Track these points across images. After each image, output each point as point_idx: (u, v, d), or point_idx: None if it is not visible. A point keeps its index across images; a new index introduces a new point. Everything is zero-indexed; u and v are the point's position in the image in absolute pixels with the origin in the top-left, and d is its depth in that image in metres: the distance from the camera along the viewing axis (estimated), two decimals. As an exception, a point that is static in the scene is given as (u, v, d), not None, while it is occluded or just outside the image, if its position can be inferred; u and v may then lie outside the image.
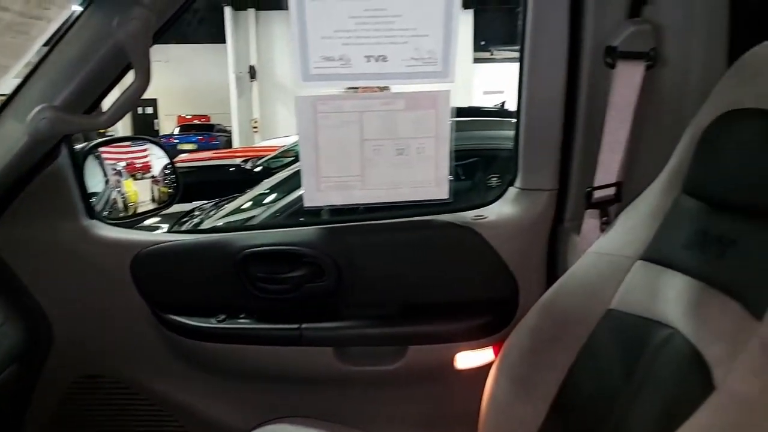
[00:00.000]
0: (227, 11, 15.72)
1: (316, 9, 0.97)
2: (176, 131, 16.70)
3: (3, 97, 0.99)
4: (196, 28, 16.58)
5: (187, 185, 1.62)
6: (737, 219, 0.70)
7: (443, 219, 1.18)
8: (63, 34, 0.93)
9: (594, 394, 0.81)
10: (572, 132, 1.10)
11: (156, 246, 1.18)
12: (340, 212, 1.28)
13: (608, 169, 1.02)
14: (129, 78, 0.89)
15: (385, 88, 1.16)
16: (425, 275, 1.17)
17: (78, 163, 1.17)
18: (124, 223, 1.29)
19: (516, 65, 1.14)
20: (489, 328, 1.16)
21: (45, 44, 0.90)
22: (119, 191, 3.13)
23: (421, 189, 1.13)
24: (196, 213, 2.84)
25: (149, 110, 18.68)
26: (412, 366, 1.15)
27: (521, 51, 1.10)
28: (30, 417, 1.20)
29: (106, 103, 0.92)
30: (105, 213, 2.43)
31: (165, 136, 16.60)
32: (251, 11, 15.70)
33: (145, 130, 17.77)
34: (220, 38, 16.01)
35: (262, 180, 3.33)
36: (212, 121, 17.41)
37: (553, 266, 1.16)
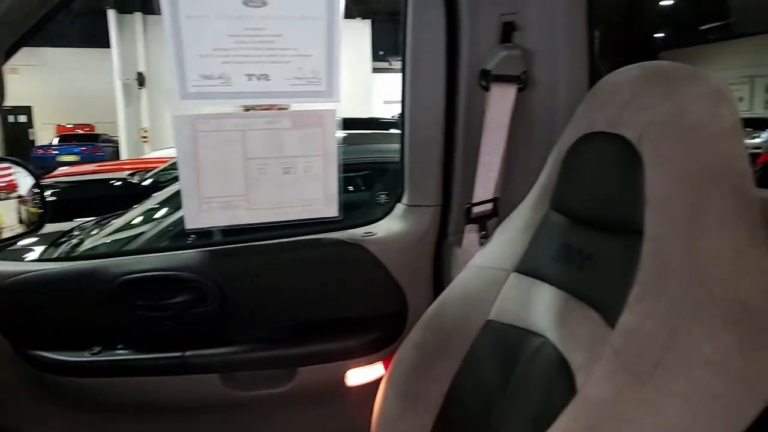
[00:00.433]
0: (111, 14, 14.86)
1: (193, 27, 0.95)
2: (55, 142, 15.50)
3: None
4: (76, 30, 15.51)
5: (66, 202, 1.51)
6: (593, 234, 0.76)
7: (333, 237, 1.20)
8: None
9: (474, 404, 0.85)
10: (453, 150, 1.16)
11: (19, 276, 1.09)
12: (228, 233, 1.25)
13: (485, 185, 1.08)
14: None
15: (284, 107, 1.16)
16: (315, 294, 1.18)
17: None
18: (-15, 250, 1.19)
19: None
20: (379, 343, 1.18)
21: None
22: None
23: (310, 207, 1.14)
24: (76, 233, 2.65)
25: (23, 119, 17.19)
26: (303, 387, 1.15)
27: (403, 73, 1.15)
28: None
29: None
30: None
31: (42, 147, 15.35)
32: (138, 15, 14.94)
33: (19, 140, 16.35)
34: (104, 42, 15.09)
35: (150, 194, 3.17)
36: (97, 131, 16.33)
37: (440, 279, 1.21)
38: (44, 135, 17.02)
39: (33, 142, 16.85)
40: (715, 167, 0.66)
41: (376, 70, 15.50)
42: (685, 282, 0.61)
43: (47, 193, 1.45)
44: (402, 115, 1.17)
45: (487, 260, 0.95)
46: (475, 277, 0.95)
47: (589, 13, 1.08)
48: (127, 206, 2.95)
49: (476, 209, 1.09)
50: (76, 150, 14.67)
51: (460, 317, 0.92)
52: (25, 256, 2.18)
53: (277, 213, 1.12)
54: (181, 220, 1.07)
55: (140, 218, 2.69)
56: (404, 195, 1.23)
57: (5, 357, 1.11)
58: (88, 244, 2.43)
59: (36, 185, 1.28)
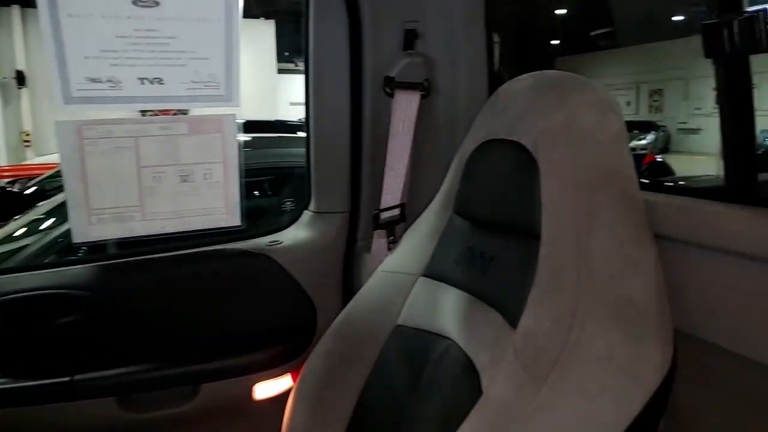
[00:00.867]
0: (-17, 7, 13.63)
1: (75, 26, 0.89)
2: None
3: None
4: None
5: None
6: (495, 237, 0.80)
7: (236, 247, 1.16)
8: None
9: (385, 409, 0.86)
10: (360, 156, 1.16)
11: None
12: (121, 246, 1.18)
13: (393, 191, 1.10)
14: None
15: (183, 112, 1.11)
16: (218, 308, 1.14)
17: None
18: None
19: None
20: (288, 354, 1.16)
21: None
22: None
23: (211, 217, 1.10)
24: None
25: None
26: (208, 404, 1.11)
27: (306, 79, 1.14)
28: None
29: None
30: None
31: None
32: (15, 8, 13.81)
33: None
34: (-25, 36, 13.80)
35: (34, 204, 2.93)
36: (-31, 134, 14.90)
37: (349, 286, 1.21)
38: None
39: None
40: (603, 172, 0.71)
41: (281, 71, 15.28)
42: (577, 282, 0.65)
43: None
44: (306, 121, 1.16)
45: (395, 265, 0.97)
46: (383, 283, 0.96)
47: (488, 22, 1.13)
48: (6, 218, 2.72)
49: (384, 215, 1.10)
50: (-55, 156, 13.30)
51: (369, 324, 0.92)
52: None
53: (175, 223, 1.07)
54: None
55: (23, 230, 2.48)
56: (311, 202, 1.22)
57: None
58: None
59: None
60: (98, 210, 1.00)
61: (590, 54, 16.89)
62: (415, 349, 0.86)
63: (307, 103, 1.15)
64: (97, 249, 1.25)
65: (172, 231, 1.07)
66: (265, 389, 1.15)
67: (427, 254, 0.92)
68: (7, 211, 3.03)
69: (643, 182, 0.75)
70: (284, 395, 1.00)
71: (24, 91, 14.13)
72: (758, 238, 0.66)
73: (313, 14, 1.11)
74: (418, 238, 0.96)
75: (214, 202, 1.09)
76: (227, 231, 1.12)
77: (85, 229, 1.00)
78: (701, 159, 10.53)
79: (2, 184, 5.65)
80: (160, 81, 0.97)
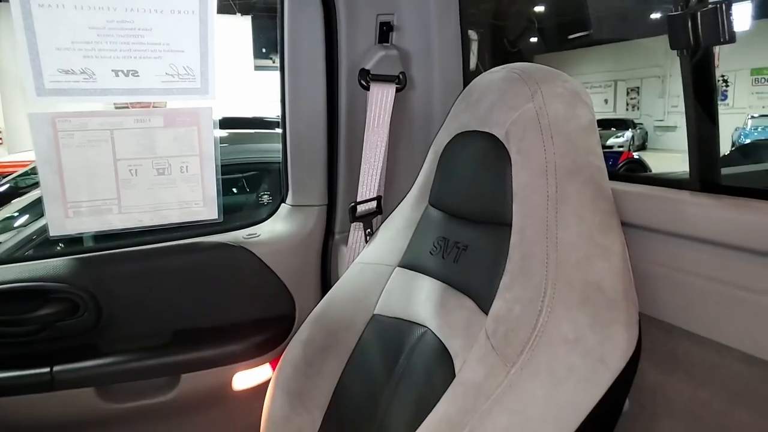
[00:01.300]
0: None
1: (47, 17, 0.88)
2: None
3: None
4: None
5: None
6: (468, 227, 0.81)
7: (214, 240, 1.17)
8: None
9: (362, 396, 0.88)
10: (336, 149, 1.17)
11: None
12: (100, 239, 1.18)
13: (369, 184, 1.11)
14: None
15: (159, 105, 1.11)
16: (196, 300, 1.14)
17: None
18: None
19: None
20: (267, 345, 1.17)
21: None
22: None
23: (188, 210, 1.10)
24: None
25: None
26: (188, 394, 1.11)
27: (282, 73, 1.14)
28: None
29: None
30: None
31: None
32: (-14, -1, 13.50)
33: None
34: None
35: (7, 202, 2.89)
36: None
37: (327, 278, 1.22)
38: None
39: None
40: (573, 162, 0.73)
41: (258, 67, 15.17)
42: (546, 268, 0.67)
43: None
44: (283, 114, 1.17)
45: (372, 257, 0.98)
46: (360, 274, 0.97)
47: (462, 15, 1.15)
48: (-22, 216, 2.67)
49: (361, 207, 1.11)
50: None
51: (347, 313, 0.94)
52: None
53: (152, 217, 1.07)
54: (45, 228, 1.00)
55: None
56: (288, 195, 1.23)
57: None
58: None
59: None
60: (74, 203, 1.00)
61: (568, 51, 17.07)
62: (391, 337, 0.88)
63: (283, 97, 1.16)
64: (73, 243, 1.24)
65: (149, 224, 1.07)
66: (244, 379, 1.16)
67: (403, 245, 0.94)
68: (-21, 208, 2.98)
69: (612, 172, 0.78)
70: (263, 385, 1.01)
71: (-6, 87, 13.82)
72: (720, 225, 0.69)
73: (288, 7, 1.12)
74: (394, 230, 0.98)
75: (192, 196, 1.09)
76: (205, 224, 1.13)
77: (61, 221, 1.00)
78: (678, 156, 10.73)
79: (-27, 183, 5.53)
80: (135, 73, 0.97)
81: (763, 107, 12.73)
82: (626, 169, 7.78)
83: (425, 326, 0.82)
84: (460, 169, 0.85)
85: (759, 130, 11.10)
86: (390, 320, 0.89)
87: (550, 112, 0.75)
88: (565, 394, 0.62)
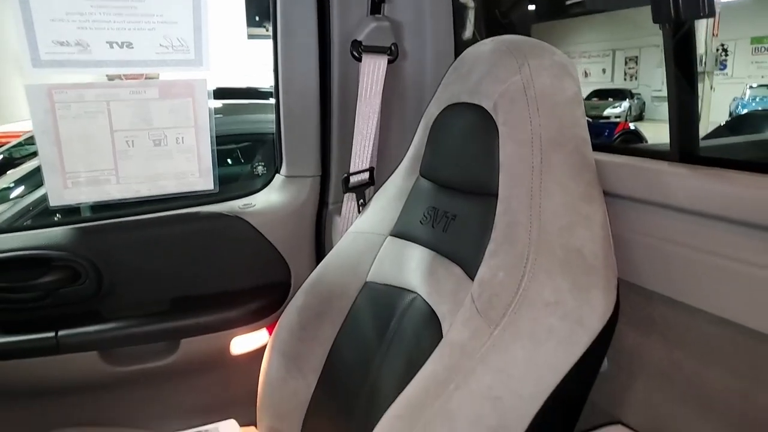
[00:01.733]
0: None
1: (42, -12, 0.90)
2: None
3: None
4: None
5: None
6: (456, 197, 0.84)
7: (210, 210, 1.20)
8: None
9: (355, 360, 0.92)
10: (329, 121, 1.20)
11: None
12: (98, 209, 1.21)
13: (362, 155, 1.14)
14: None
15: (152, 76, 1.12)
16: (194, 269, 1.18)
17: None
18: None
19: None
20: (263, 311, 1.21)
21: None
22: None
23: (184, 180, 1.13)
24: None
25: None
26: (187, 358, 1.16)
27: (274, 43, 1.16)
28: None
29: None
30: None
31: None
32: (-27, -33, 13.23)
33: None
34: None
35: (2, 173, 2.90)
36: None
37: (321, 247, 1.26)
38: None
39: None
40: (558, 133, 0.76)
41: (251, 36, 14.97)
42: (529, 236, 0.70)
43: None
44: (275, 86, 1.19)
45: (364, 226, 1.01)
46: (353, 243, 1.00)
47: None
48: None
49: (354, 178, 1.14)
50: None
51: (340, 281, 0.97)
52: None
53: (149, 187, 1.10)
54: (44, 198, 1.02)
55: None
56: (282, 166, 1.26)
57: None
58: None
59: None
60: (73, 173, 1.02)
61: (566, 20, 16.86)
62: (382, 303, 0.91)
63: (275, 68, 1.18)
64: (71, 213, 1.27)
65: (146, 194, 1.10)
66: (241, 344, 1.20)
67: (395, 215, 0.96)
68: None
69: (595, 143, 0.80)
70: (260, 350, 1.06)
71: (-15, 56, 13.63)
72: (697, 194, 0.72)
73: None
74: (386, 200, 1.00)
75: (188, 166, 1.12)
76: (201, 195, 1.15)
77: (60, 192, 1.02)
78: (674, 126, 10.66)
79: (-33, 154, 5.50)
80: (129, 45, 0.99)
81: (762, 77, 12.65)
82: (622, 140, 7.78)
83: (415, 292, 0.85)
84: (449, 141, 0.88)
85: (757, 100, 11.06)
86: (382, 287, 0.93)
87: (536, 84, 0.77)
88: (545, 354, 0.66)
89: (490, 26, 1.40)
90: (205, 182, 1.14)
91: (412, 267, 0.88)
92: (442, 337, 0.74)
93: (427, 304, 0.81)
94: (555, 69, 0.78)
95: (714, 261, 0.68)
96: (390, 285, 0.91)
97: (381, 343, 0.87)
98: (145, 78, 1.09)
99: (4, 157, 4.94)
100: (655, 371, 0.78)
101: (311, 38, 1.13)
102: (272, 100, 1.24)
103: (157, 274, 1.16)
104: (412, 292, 0.86)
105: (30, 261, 1.07)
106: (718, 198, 0.69)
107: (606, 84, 16.43)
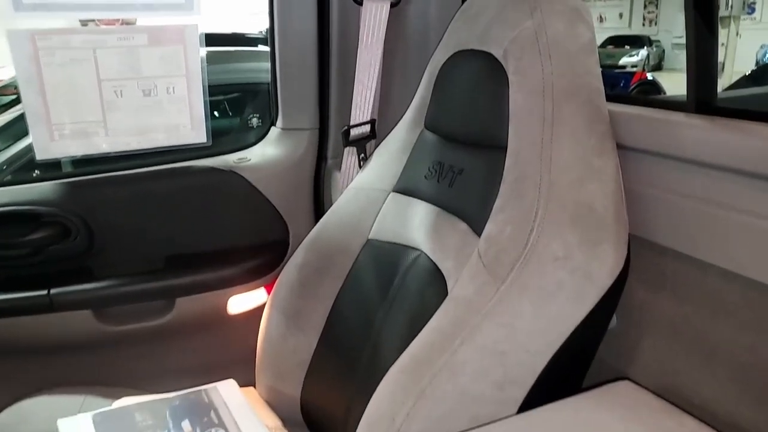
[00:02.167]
0: None
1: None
2: None
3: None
4: None
5: None
6: (463, 150, 0.86)
7: (204, 164, 1.22)
8: None
9: (357, 317, 0.95)
10: (328, 70, 1.20)
11: None
12: (86, 163, 1.23)
13: (362, 107, 1.15)
14: None
15: (130, 21, 1.12)
16: (189, 225, 1.21)
17: None
18: None
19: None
20: (261, 270, 1.25)
21: None
22: None
23: (176, 133, 1.14)
24: None
25: None
26: (183, 317, 1.20)
27: None
28: None
29: None
30: None
31: None
32: None
33: None
34: None
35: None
36: None
37: (319, 204, 1.28)
38: None
39: None
40: (570, 83, 0.77)
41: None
42: (539, 189, 0.73)
43: None
44: (271, 33, 1.18)
45: (366, 182, 1.03)
46: (354, 199, 1.03)
47: None
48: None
49: (354, 131, 1.15)
50: None
51: (342, 238, 1.00)
52: None
53: (139, 140, 1.12)
54: (28, 150, 1.04)
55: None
56: (278, 119, 1.27)
57: None
58: None
59: None
60: (60, 125, 1.04)
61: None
62: (385, 260, 0.94)
63: (271, 14, 1.17)
64: (57, 166, 1.29)
65: (137, 148, 1.12)
66: (239, 303, 1.24)
67: (398, 170, 0.98)
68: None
69: (609, 93, 0.82)
70: (258, 309, 1.09)
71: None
72: (713, 146, 0.74)
73: None
74: (388, 154, 1.02)
75: (179, 118, 1.13)
76: (194, 148, 1.17)
77: (47, 145, 1.04)
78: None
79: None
80: (116, -13, 0.99)
81: (795, 22, 12.46)
82: (639, 91, 7.73)
83: (419, 249, 0.88)
84: (456, 91, 0.89)
85: (788, 48, 10.93)
86: (384, 245, 0.96)
87: (549, 30, 0.78)
88: (553, 309, 0.69)
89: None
90: (198, 135, 1.16)
91: (415, 224, 0.91)
92: (446, 294, 0.77)
93: (432, 261, 0.84)
94: (569, 14, 0.79)
95: (728, 215, 0.71)
96: (393, 242, 0.94)
97: (384, 300, 0.91)
98: (121, 23, 1.10)
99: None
100: (664, 327, 0.82)
101: None
102: (261, 47, 1.25)
103: (149, 230, 1.19)
104: (415, 249, 0.89)
105: (18, 216, 1.10)
106: (734, 150, 0.71)
107: (623, 30, 16.17)
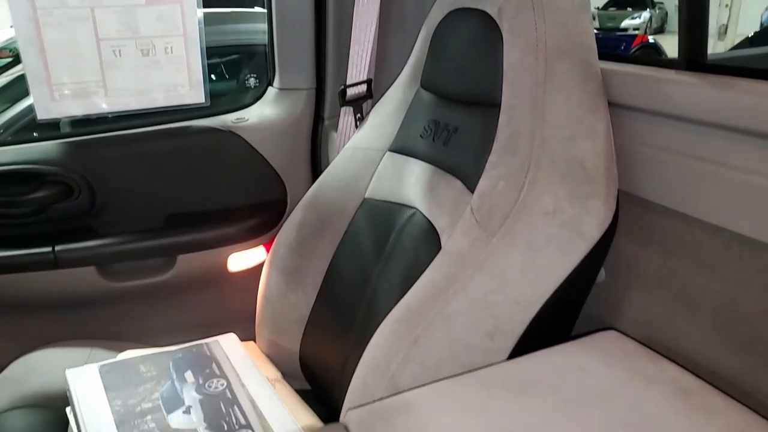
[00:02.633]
0: None
1: None
2: None
3: None
4: None
5: None
6: (458, 109, 0.88)
7: (202, 124, 1.23)
8: None
9: (353, 274, 0.98)
10: (324, 30, 1.21)
11: None
12: (86, 123, 1.24)
13: (359, 66, 1.16)
14: None
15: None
16: (189, 185, 1.23)
17: None
18: None
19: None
20: (260, 228, 1.28)
21: None
22: None
23: (174, 93, 1.16)
24: None
25: None
26: (183, 275, 1.24)
27: None
28: None
29: None
30: None
31: None
32: None
33: None
34: None
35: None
36: None
37: (316, 164, 1.30)
38: None
39: None
40: (564, 41, 0.79)
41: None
42: (531, 145, 0.75)
43: None
44: None
45: (362, 142, 1.05)
46: (351, 159, 1.05)
47: None
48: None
49: (351, 91, 1.16)
50: None
51: (339, 197, 1.02)
52: None
53: (139, 100, 1.13)
54: (28, 111, 1.06)
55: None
56: (275, 79, 1.28)
57: None
58: None
59: None
60: (59, 85, 1.05)
61: None
62: (381, 219, 0.97)
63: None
64: (56, 127, 1.30)
65: (136, 108, 1.13)
66: (238, 260, 1.27)
67: (394, 129, 1.00)
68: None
69: (601, 52, 0.84)
70: (258, 267, 1.12)
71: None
72: (702, 102, 0.75)
73: None
74: (384, 114, 1.03)
75: (177, 78, 1.14)
76: (193, 108, 1.19)
77: (48, 104, 1.06)
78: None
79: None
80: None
81: (802, -18, 12.23)
82: (639, 54, 7.65)
83: (414, 207, 0.90)
84: (452, 50, 0.90)
85: (793, 9, 10.75)
86: (380, 203, 0.98)
87: None
88: (543, 260, 0.72)
89: None
90: (196, 95, 1.17)
91: (411, 182, 0.93)
92: (440, 248, 0.79)
93: (426, 218, 0.86)
94: None
95: (714, 170, 0.73)
96: (389, 201, 0.96)
97: (380, 257, 0.94)
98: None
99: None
100: (650, 280, 0.85)
101: None
102: (258, 9, 1.25)
103: (150, 189, 1.21)
104: (411, 207, 0.91)
105: (22, 175, 1.12)
106: (723, 106, 0.72)
107: (625, -8, 15.87)
